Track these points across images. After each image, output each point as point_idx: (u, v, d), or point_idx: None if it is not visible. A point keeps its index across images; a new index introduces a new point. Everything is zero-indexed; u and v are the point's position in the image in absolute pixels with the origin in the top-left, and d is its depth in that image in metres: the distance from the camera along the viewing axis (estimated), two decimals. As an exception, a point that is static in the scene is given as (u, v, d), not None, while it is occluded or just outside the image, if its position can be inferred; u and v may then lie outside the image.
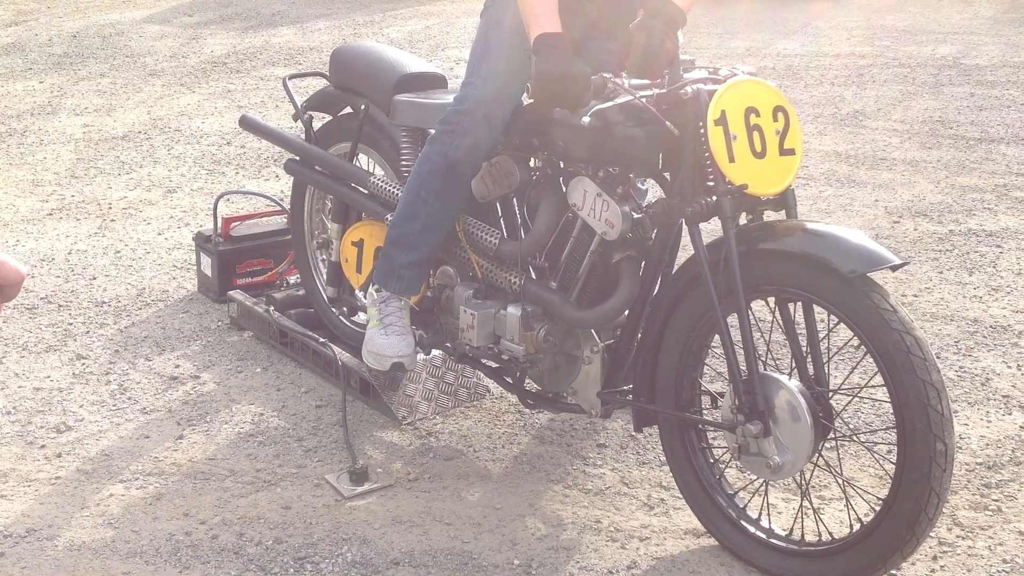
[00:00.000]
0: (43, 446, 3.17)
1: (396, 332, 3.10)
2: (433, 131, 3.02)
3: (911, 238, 4.84)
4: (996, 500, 2.90)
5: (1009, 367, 3.64)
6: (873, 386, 2.67)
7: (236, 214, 4.38)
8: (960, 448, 3.13)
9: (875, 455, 2.92)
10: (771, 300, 2.60)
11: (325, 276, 3.79)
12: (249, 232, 4.21)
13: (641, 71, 2.61)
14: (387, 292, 3.12)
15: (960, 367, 3.64)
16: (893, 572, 2.57)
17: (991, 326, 3.95)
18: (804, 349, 2.54)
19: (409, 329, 3.13)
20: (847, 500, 2.64)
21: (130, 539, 2.73)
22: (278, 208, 4.36)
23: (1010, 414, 3.34)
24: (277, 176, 5.76)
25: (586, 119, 2.51)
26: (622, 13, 2.89)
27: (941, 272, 4.46)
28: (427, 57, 8.72)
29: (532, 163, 2.99)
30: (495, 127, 2.90)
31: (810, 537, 2.62)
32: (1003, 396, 3.45)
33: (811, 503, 2.68)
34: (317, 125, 3.76)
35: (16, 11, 11.11)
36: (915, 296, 4.21)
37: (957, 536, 2.74)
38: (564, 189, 2.86)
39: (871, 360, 2.42)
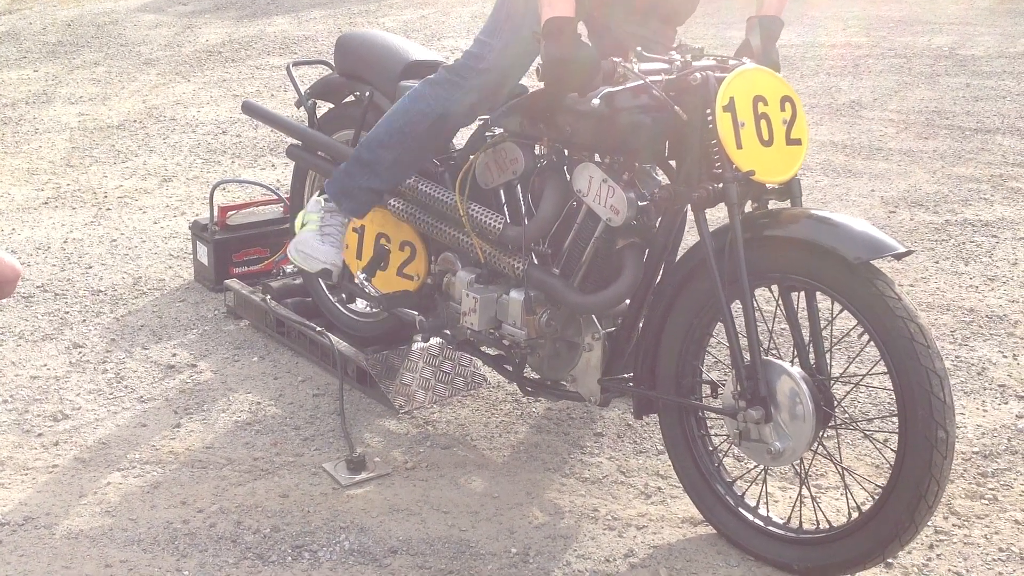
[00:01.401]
0: (40, 434, 3.16)
1: (331, 243, 3.18)
2: (435, 75, 3.02)
3: (907, 228, 4.84)
4: (992, 489, 2.90)
5: (1005, 356, 3.64)
6: (874, 374, 2.67)
7: (232, 203, 4.37)
8: (956, 437, 3.13)
9: (874, 443, 2.93)
10: (774, 288, 2.60)
11: (323, 264, 3.78)
12: (245, 221, 4.20)
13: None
14: (335, 205, 3.16)
15: (956, 356, 3.64)
16: (890, 561, 2.57)
17: (987, 316, 3.95)
18: (806, 337, 2.54)
19: (343, 245, 3.22)
20: (846, 488, 2.65)
21: (128, 527, 2.73)
22: (274, 197, 4.35)
23: (1006, 403, 3.35)
24: (273, 165, 5.75)
25: (595, 102, 2.51)
26: None
27: (937, 262, 4.46)
28: (423, 46, 8.69)
29: (537, 150, 2.98)
30: (499, 96, 2.95)
31: (808, 525, 2.62)
32: (999, 385, 3.45)
33: (809, 491, 2.68)
34: (319, 113, 3.75)
35: (9, -1, 11.06)
36: (911, 286, 4.22)
37: (953, 525, 2.75)
38: (568, 176, 2.86)
39: (871, 349, 2.42)
